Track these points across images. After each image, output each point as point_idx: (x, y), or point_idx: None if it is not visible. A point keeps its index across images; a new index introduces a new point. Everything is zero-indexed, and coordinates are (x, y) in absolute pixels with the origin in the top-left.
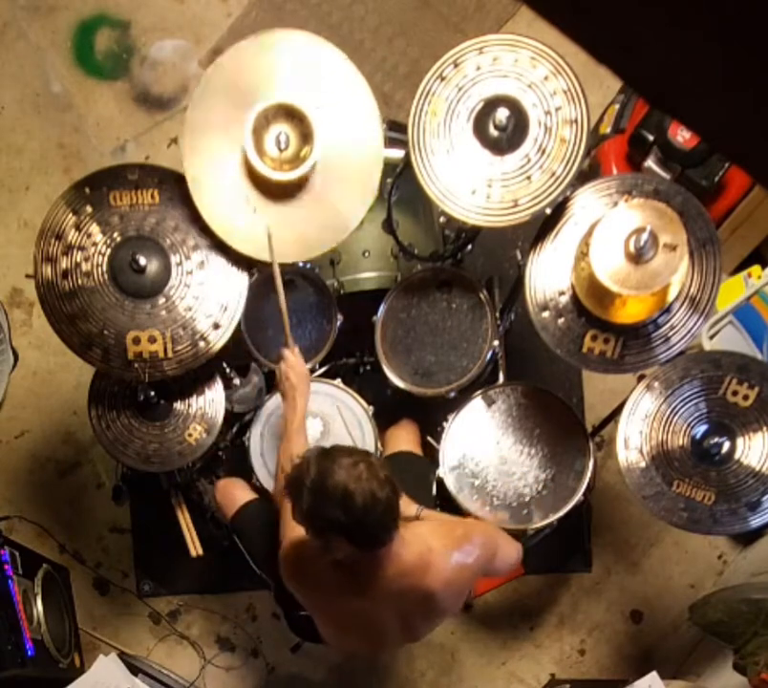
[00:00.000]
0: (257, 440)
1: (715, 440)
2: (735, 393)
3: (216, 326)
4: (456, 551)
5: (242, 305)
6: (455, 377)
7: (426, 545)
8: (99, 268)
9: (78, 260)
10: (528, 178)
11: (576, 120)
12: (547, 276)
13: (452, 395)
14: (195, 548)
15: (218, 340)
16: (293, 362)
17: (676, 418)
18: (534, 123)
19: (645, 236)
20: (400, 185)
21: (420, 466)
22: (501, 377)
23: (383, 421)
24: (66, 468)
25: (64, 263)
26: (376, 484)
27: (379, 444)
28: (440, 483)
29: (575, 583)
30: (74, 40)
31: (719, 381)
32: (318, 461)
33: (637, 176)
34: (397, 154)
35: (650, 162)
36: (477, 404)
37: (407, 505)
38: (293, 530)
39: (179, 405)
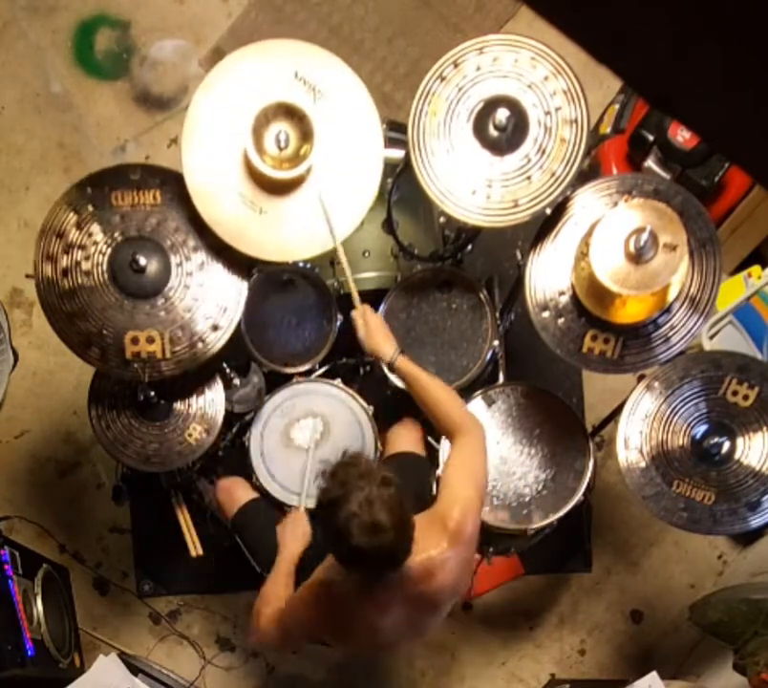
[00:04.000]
0: (257, 440)
1: (715, 440)
2: (735, 393)
3: (215, 328)
4: (452, 550)
5: (241, 307)
6: (455, 377)
7: (426, 553)
8: (99, 268)
9: (79, 259)
10: (528, 178)
11: (576, 120)
12: (547, 276)
13: None
14: (195, 548)
15: (216, 342)
16: (304, 523)
17: (676, 418)
18: (534, 123)
19: (645, 236)
20: (400, 185)
21: (421, 467)
22: (501, 377)
23: (383, 422)
24: (66, 468)
25: (64, 261)
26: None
27: (379, 444)
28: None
29: (575, 583)
30: (74, 40)
31: (719, 381)
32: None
33: (637, 176)
34: (397, 154)
35: (650, 162)
36: (477, 404)
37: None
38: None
39: (179, 405)
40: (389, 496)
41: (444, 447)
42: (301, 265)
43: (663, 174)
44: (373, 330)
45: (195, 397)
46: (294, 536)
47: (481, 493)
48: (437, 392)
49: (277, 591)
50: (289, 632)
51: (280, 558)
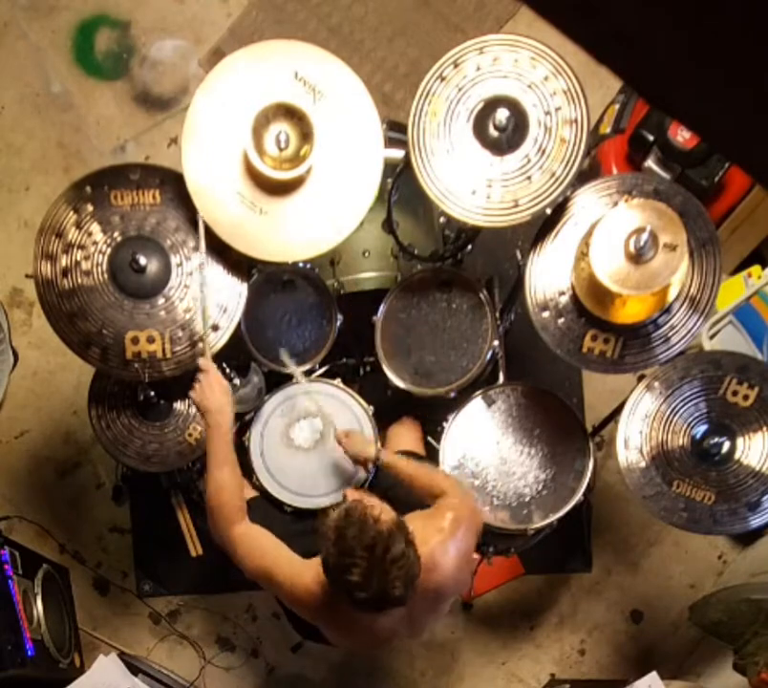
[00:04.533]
0: (257, 439)
1: (715, 440)
2: (735, 393)
3: (215, 328)
4: (451, 542)
5: (241, 307)
6: (455, 377)
7: (427, 546)
8: (99, 267)
9: (78, 258)
10: (528, 178)
11: (576, 120)
12: (547, 276)
13: (452, 395)
14: (195, 547)
15: (216, 342)
16: (214, 374)
17: (676, 418)
18: (534, 124)
19: (645, 236)
20: (400, 185)
21: None
22: (501, 377)
23: (383, 421)
24: (66, 468)
25: (64, 261)
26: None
27: (379, 444)
28: None
29: (575, 583)
30: (75, 40)
31: (719, 381)
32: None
33: (637, 176)
34: (397, 154)
35: (650, 162)
36: (477, 404)
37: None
38: (298, 575)
39: (179, 405)
40: (396, 557)
41: (444, 447)
42: (301, 265)
43: (663, 174)
44: (354, 441)
45: None
46: (218, 403)
47: (475, 532)
48: (420, 476)
49: (229, 483)
50: (263, 579)
51: (213, 437)
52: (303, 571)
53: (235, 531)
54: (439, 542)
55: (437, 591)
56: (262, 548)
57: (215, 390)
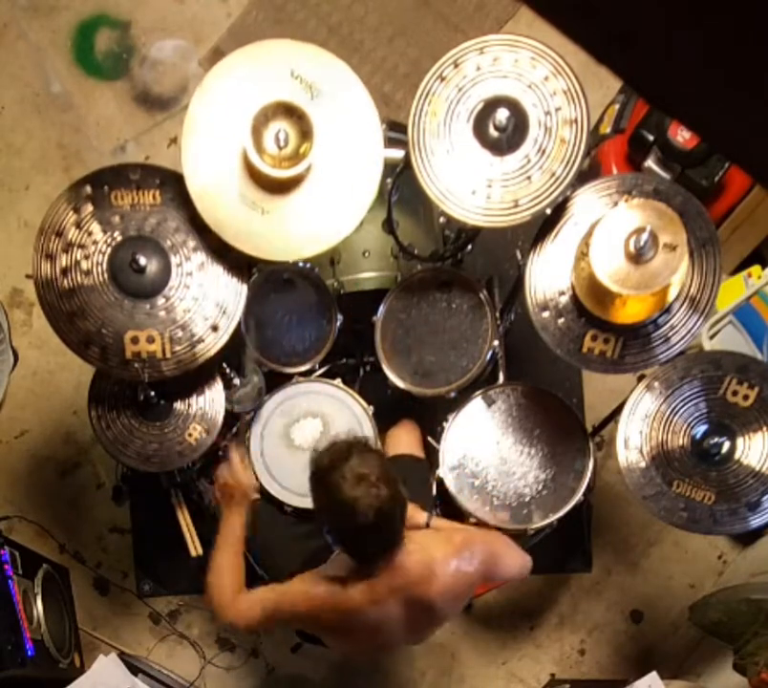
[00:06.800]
0: (257, 440)
1: (715, 440)
2: (735, 393)
3: (215, 328)
4: (455, 559)
5: (241, 307)
6: (455, 377)
7: (428, 554)
8: (99, 267)
9: (78, 258)
10: (528, 178)
11: (576, 120)
12: (547, 276)
13: (452, 395)
14: (195, 548)
15: (216, 342)
16: (239, 471)
17: (676, 418)
18: (534, 124)
19: (645, 236)
20: (400, 185)
21: (420, 470)
22: (501, 377)
23: (383, 422)
24: (66, 468)
25: (64, 260)
26: (384, 499)
27: (379, 445)
28: (440, 483)
29: (575, 583)
30: (75, 40)
31: (719, 381)
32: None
33: (637, 176)
34: (397, 154)
35: (650, 162)
36: (477, 404)
37: (417, 514)
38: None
39: (179, 405)
40: (375, 458)
41: (444, 447)
42: (301, 265)
43: (663, 174)
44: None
45: (195, 397)
46: (237, 498)
47: (493, 558)
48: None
49: (231, 561)
50: (273, 617)
51: (225, 523)
52: (298, 583)
53: (236, 608)
54: (442, 555)
55: (428, 604)
56: (263, 600)
57: (241, 477)
